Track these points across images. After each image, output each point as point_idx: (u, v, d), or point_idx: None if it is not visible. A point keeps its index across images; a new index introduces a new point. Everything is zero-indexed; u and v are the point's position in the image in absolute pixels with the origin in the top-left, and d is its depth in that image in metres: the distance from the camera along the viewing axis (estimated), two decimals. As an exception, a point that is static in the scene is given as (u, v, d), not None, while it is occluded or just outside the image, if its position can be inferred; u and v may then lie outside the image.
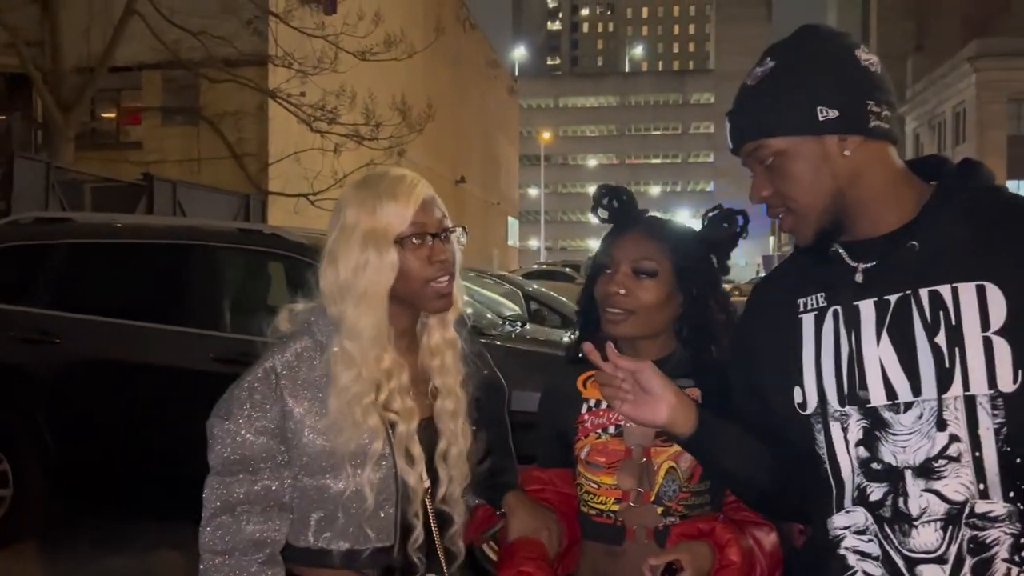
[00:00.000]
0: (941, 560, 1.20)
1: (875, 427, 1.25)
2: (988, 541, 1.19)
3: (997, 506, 1.19)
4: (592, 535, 1.66)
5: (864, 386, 1.25)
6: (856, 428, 1.26)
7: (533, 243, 67.60)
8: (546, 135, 59.23)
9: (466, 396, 1.63)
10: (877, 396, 1.25)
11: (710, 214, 1.71)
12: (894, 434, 1.23)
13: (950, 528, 1.20)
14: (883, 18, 69.16)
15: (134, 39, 12.32)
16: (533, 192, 71.83)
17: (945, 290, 1.22)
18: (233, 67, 13.02)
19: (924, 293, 1.23)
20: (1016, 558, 1.19)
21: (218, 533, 1.49)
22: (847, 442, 1.28)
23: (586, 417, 1.67)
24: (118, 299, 4.65)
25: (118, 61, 12.52)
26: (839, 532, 1.29)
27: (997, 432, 1.19)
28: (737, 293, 59.97)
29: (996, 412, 1.19)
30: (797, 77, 1.29)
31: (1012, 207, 1.27)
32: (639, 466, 1.58)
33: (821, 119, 1.26)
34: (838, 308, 1.31)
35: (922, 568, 1.22)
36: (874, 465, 1.25)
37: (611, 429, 1.64)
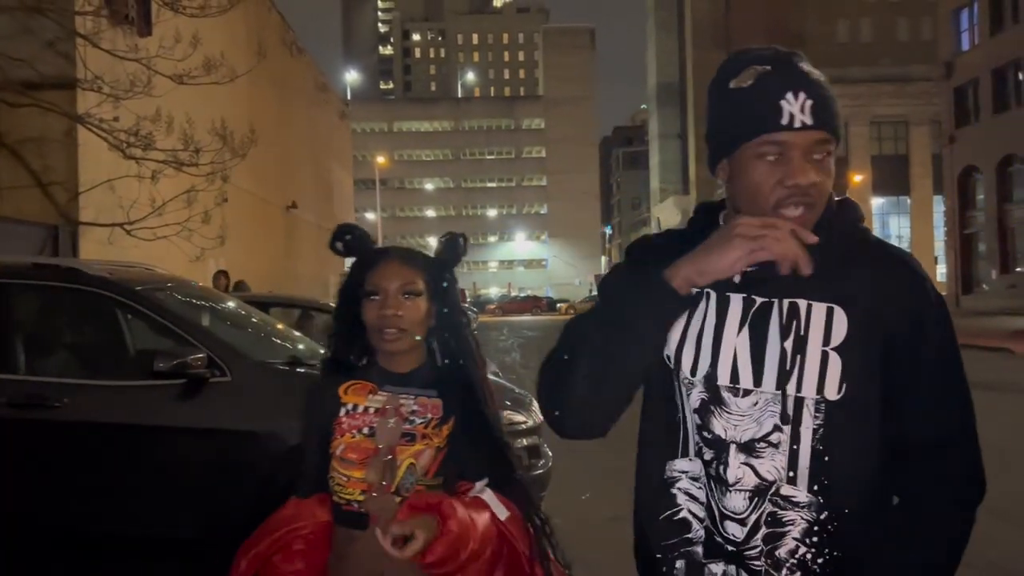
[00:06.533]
0: (742, 522, 1.40)
1: (712, 402, 1.42)
2: (784, 520, 1.39)
3: (800, 494, 1.38)
4: (341, 521, 1.87)
5: (715, 365, 1.42)
6: (696, 398, 1.43)
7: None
8: (381, 159, 58.92)
9: None
10: (723, 377, 1.41)
11: (443, 239, 1.99)
12: (728, 412, 1.41)
13: (756, 499, 1.39)
14: (697, 48, 73.51)
15: (-82, 60, 11.32)
16: (370, 216, 71.15)
17: (802, 304, 1.39)
18: (35, 90, 12.18)
19: (785, 303, 1.39)
20: (807, 540, 1.38)
21: None
22: (689, 406, 1.45)
23: (343, 419, 1.88)
24: None
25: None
26: (677, 474, 1.46)
27: (815, 432, 1.37)
28: (573, 312, 61.20)
29: (818, 415, 1.37)
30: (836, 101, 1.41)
31: (874, 248, 1.45)
32: (384, 463, 1.79)
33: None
34: (712, 293, 1.43)
35: (727, 523, 1.42)
36: (704, 433, 1.43)
37: (365, 430, 1.86)
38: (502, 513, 1.84)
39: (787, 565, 1.38)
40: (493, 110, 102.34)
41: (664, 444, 1.47)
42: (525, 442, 4.44)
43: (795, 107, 1.34)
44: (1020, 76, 34.13)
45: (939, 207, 44.52)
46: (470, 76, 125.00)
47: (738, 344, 1.40)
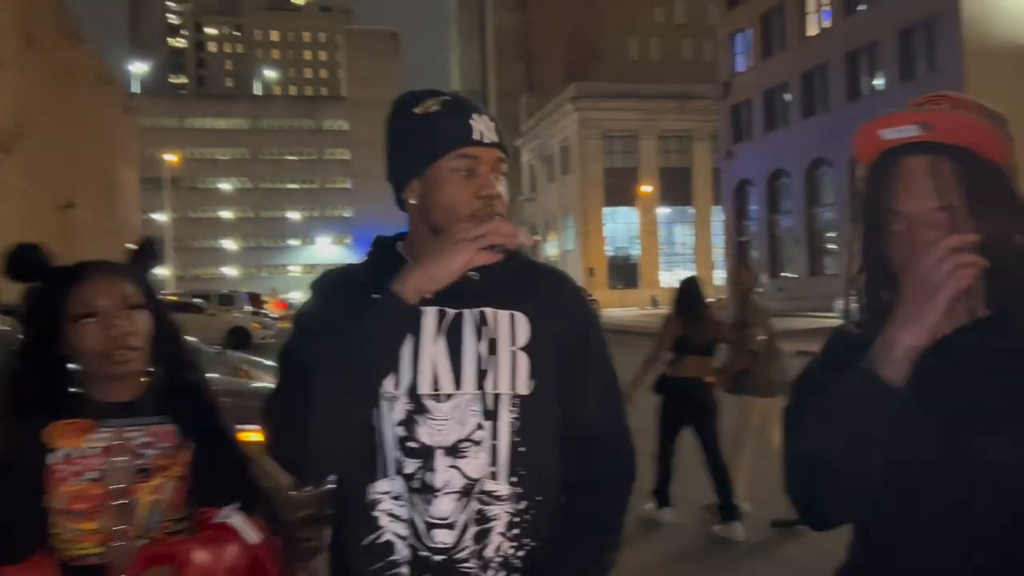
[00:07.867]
0: (451, 527, 1.45)
1: (416, 411, 1.47)
2: (490, 515, 1.47)
3: (502, 487, 1.47)
4: None
5: (416, 375, 1.47)
6: (401, 410, 1.47)
7: (164, 271, 63.02)
8: (171, 157, 55.76)
9: None
10: (424, 386, 1.47)
11: (139, 242, 1.83)
12: (432, 419, 1.47)
13: (463, 500, 1.45)
14: (499, 58, 75.15)
15: None
16: (159, 217, 67.08)
17: (489, 312, 1.51)
18: None
19: (475, 312, 1.51)
20: (508, 534, 1.47)
21: None
22: (392, 421, 1.48)
23: (58, 467, 1.63)
24: None
25: None
26: (378, 496, 1.48)
27: (512, 425, 1.48)
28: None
29: (514, 410, 1.49)
30: None
31: (538, 268, 1.62)
32: (119, 506, 1.61)
33: None
34: None
35: (436, 532, 1.45)
36: (410, 444, 1.47)
37: (90, 474, 1.63)
38: (252, 537, 1.69)
39: (492, 564, 1.46)
40: (294, 109, 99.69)
41: (363, 467, 1.49)
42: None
43: (482, 125, 1.49)
44: (786, 98, 37.56)
45: (718, 216, 47.99)
46: (269, 73, 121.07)
47: (436, 353, 1.48)
